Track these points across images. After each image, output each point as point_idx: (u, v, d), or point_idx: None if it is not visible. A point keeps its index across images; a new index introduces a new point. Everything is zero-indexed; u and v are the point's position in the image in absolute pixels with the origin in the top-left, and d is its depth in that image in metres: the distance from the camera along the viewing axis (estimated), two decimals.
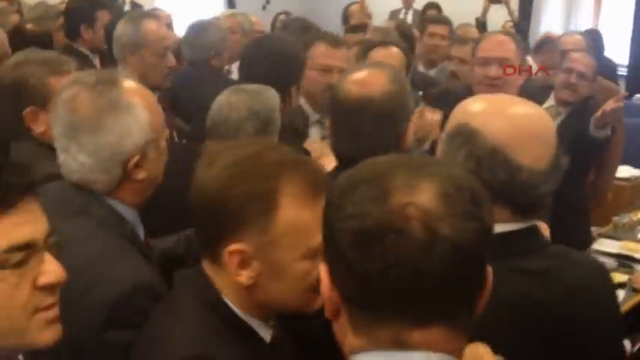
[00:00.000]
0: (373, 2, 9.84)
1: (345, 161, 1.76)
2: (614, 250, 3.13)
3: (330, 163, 1.89)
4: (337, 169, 1.77)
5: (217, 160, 1.19)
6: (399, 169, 0.89)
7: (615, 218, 3.55)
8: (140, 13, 2.94)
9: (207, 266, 1.24)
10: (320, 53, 2.63)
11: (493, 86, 2.58)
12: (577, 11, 8.87)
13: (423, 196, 0.84)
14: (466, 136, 1.30)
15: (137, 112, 1.47)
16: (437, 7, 7.96)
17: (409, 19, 9.01)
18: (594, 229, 3.49)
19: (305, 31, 3.47)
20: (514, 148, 1.26)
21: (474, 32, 4.97)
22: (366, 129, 1.71)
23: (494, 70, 2.61)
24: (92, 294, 1.30)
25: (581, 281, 1.34)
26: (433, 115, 2.36)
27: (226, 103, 2.07)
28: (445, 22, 4.58)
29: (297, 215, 1.17)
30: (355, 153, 1.68)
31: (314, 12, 9.66)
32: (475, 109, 1.36)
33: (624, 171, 4.46)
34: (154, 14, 3.03)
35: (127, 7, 8.28)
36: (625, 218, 3.56)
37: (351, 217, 0.86)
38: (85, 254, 1.35)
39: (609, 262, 3.00)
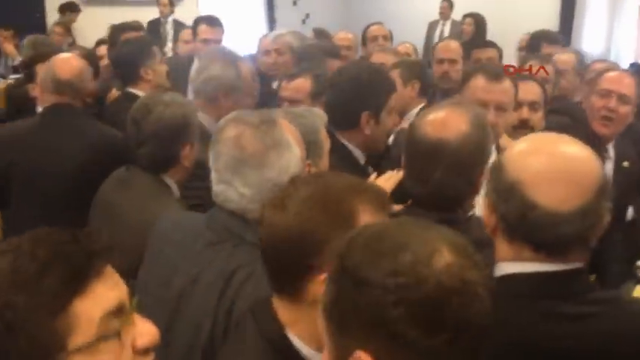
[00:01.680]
0: (410, 14, 9.93)
1: (416, 200, 1.79)
2: None
3: None
4: (412, 206, 1.80)
5: (288, 201, 1.22)
6: (413, 236, 0.93)
7: None
8: (234, 56, 2.98)
9: (280, 303, 1.25)
10: (477, 86, 2.49)
11: (607, 118, 2.84)
12: (619, 29, 8.85)
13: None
14: (497, 168, 1.34)
15: (293, 149, 1.65)
16: (476, 16, 7.97)
17: (446, 30, 9.07)
18: None
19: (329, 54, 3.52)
20: (531, 186, 1.27)
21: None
22: (437, 174, 1.71)
23: (613, 103, 2.82)
24: None
25: (629, 332, 1.27)
26: None
27: None
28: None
29: None
30: (424, 195, 1.74)
31: (353, 26, 9.76)
32: (516, 145, 1.39)
33: None
34: (242, 58, 3.07)
35: (169, 27, 8.57)
36: None
37: (402, 287, 0.86)
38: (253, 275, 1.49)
39: None
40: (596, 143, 2.74)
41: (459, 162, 1.70)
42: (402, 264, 0.88)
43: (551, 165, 1.29)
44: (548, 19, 8.94)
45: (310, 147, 2.06)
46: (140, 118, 2.28)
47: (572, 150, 1.33)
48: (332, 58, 3.58)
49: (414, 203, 1.80)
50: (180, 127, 2.25)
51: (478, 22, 7.86)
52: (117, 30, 4.14)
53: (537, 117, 2.82)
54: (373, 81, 2.51)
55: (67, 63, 2.97)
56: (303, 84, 2.82)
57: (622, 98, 2.82)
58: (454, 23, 8.98)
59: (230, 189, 1.62)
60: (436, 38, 9.04)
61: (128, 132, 2.34)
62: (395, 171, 2.07)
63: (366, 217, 1.21)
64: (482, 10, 8.20)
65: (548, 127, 2.80)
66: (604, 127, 2.85)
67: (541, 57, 3.76)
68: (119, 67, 3.51)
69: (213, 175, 1.68)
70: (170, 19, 8.62)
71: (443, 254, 0.89)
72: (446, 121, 1.75)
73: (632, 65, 8.34)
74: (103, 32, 6.24)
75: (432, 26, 9.27)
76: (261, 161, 1.60)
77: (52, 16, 8.73)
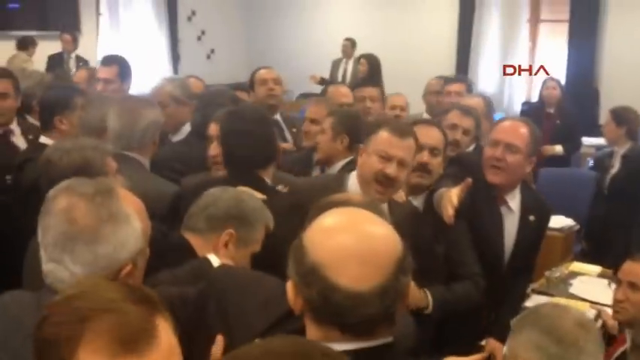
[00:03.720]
0: (315, 51, 10.09)
1: None
2: None
3: None
4: None
5: None
6: None
7: (547, 273, 3.67)
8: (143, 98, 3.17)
9: None
10: (382, 140, 2.50)
11: (497, 168, 2.82)
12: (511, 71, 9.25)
13: None
14: (297, 249, 1.30)
15: (133, 223, 1.50)
16: (370, 57, 8.25)
17: (349, 68, 9.25)
18: None
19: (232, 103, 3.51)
20: (330, 268, 1.24)
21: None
22: None
23: (499, 152, 2.81)
24: None
25: None
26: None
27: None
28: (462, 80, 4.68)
29: None
30: None
31: (257, 62, 9.79)
32: (315, 224, 1.34)
33: (557, 221, 4.38)
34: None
35: (72, 63, 8.33)
36: (556, 272, 3.69)
37: None
38: None
39: None
40: (490, 193, 2.87)
41: None
42: None
43: (348, 244, 1.26)
44: (444, 62, 9.33)
45: (245, 226, 2.09)
46: (43, 167, 2.28)
47: (369, 229, 1.31)
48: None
49: None
50: (79, 172, 2.11)
51: (372, 62, 8.13)
52: None
53: (436, 162, 2.87)
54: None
55: None
56: None
57: (510, 147, 2.81)
58: (356, 61, 9.18)
59: (60, 268, 1.45)
60: (339, 76, 9.22)
61: None
62: None
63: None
64: (382, 50, 8.43)
65: (445, 176, 2.88)
66: (494, 175, 2.84)
67: (461, 107, 3.71)
68: (39, 113, 3.41)
69: (42, 253, 1.50)
70: (73, 55, 8.47)
71: None
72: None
73: (524, 104, 8.84)
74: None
75: (336, 64, 9.43)
76: (94, 236, 1.45)
77: None
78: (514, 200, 2.94)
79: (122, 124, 2.84)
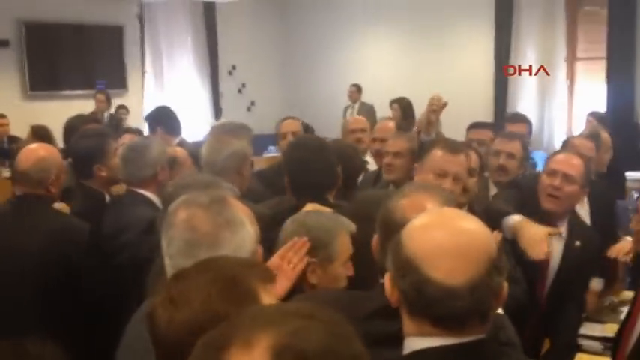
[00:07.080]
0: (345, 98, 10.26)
1: None
2: (597, 334, 3.20)
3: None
4: None
5: (188, 293, 1.22)
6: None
7: (599, 301, 3.64)
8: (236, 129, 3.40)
9: None
10: (437, 157, 2.67)
11: (554, 196, 2.93)
12: (550, 111, 9.44)
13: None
14: (395, 243, 1.35)
15: (247, 227, 1.66)
16: (402, 100, 8.37)
17: (354, 113, 9.36)
18: None
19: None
20: (425, 260, 1.28)
21: None
22: None
23: (557, 182, 2.93)
24: None
25: None
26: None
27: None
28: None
29: None
30: None
31: (297, 113, 10.00)
32: (413, 222, 1.39)
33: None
34: None
35: (105, 120, 8.56)
36: (608, 300, 3.65)
37: None
38: None
39: (595, 346, 3.08)
40: (545, 219, 2.90)
41: None
42: None
43: (443, 239, 1.30)
44: (482, 102, 9.43)
45: (321, 247, 2.07)
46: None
47: (464, 225, 1.34)
48: None
49: None
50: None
51: (404, 106, 8.24)
52: (75, 123, 4.15)
53: (472, 182, 2.96)
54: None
55: (30, 153, 2.95)
56: None
57: (567, 178, 2.94)
58: (362, 105, 9.68)
59: None
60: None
61: None
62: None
63: (264, 293, 1.22)
64: (418, 92, 8.52)
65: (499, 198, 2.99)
66: (550, 203, 2.95)
67: (505, 134, 3.93)
68: (74, 161, 3.43)
69: (167, 262, 1.66)
70: (106, 113, 8.75)
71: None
72: (423, 202, 1.74)
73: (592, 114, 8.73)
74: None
75: (345, 109, 9.92)
76: (214, 241, 1.60)
77: None
78: (562, 227, 3.01)
79: (209, 151, 2.98)
